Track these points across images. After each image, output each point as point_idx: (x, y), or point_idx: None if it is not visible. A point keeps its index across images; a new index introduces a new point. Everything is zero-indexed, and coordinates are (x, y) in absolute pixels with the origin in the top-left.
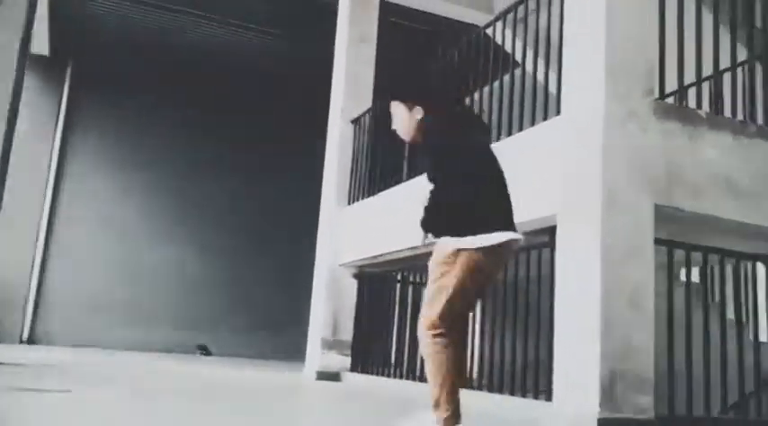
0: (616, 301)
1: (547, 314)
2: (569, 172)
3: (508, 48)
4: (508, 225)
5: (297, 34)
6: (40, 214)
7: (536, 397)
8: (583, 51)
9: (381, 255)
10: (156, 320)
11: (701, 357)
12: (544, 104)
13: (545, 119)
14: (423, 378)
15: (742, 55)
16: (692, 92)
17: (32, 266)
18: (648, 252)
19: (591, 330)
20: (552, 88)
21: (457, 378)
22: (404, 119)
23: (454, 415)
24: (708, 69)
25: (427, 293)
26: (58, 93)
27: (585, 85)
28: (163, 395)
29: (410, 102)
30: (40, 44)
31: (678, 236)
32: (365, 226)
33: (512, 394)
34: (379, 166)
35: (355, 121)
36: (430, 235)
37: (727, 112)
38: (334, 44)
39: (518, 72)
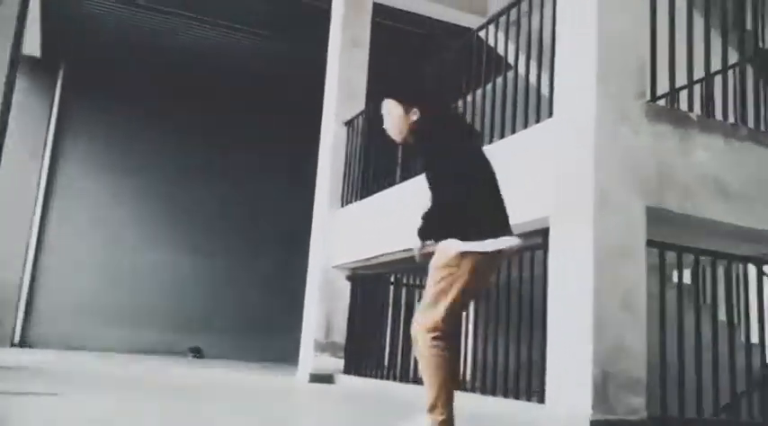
0: (608, 302)
1: (540, 315)
2: (562, 174)
3: (501, 50)
4: (509, 229)
5: (288, 37)
6: (31, 217)
7: (529, 399)
8: (575, 54)
9: (375, 257)
10: (147, 323)
11: (693, 358)
12: (537, 107)
13: (538, 121)
14: (417, 380)
15: (733, 58)
16: (683, 94)
17: (24, 269)
18: (641, 254)
19: (583, 331)
20: (545, 90)
21: (452, 381)
22: (399, 120)
23: (449, 419)
24: (699, 72)
25: (427, 295)
26: (49, 95)
27: (577, 88)
28: (153, 398)
29: (407, 103)
30: (32, 45)
31: (670, 238)
32: (358, 228)
33: (504, 395)
34: (373, 168)
35: (348, 124)
36: (429, 242)
37: (719, 115)
38: (326, 46)
39: (510, 74)
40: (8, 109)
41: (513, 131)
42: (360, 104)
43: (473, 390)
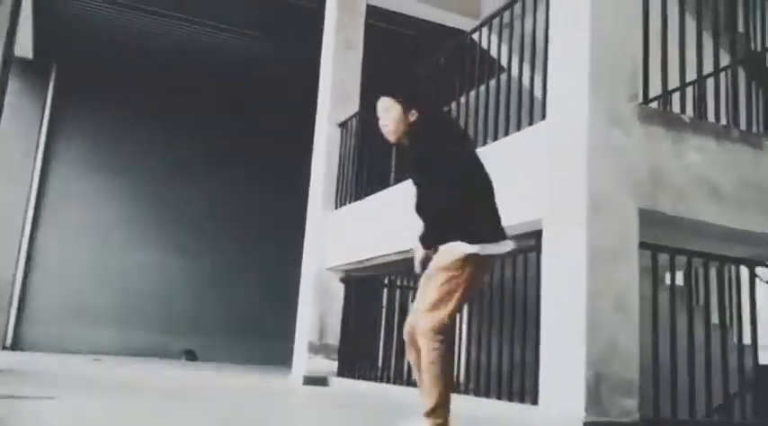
0: (601, 304)
1: (533, 316)
2: (555, 176)
3: (494, 52)
4: (504, 231)
5: (280, 37)
6: (23, 219)
7: (522, 401)
8: (568, 56)
9: (368, 259)
10: (140, 325)
11: (685, 359)
12: (530, 109)
13: (531, 123)
14: (411, 382)
15: (725, 60)
16: (675, 96)
17: (15, 271)
18: (633, 256)
19: (576, 333)
20: (538, 93)
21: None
22: (396, 119)
23: (446, 423)
24: (691, 74)
25: (429, 296)
26: (41, 97)
27: (570, 90)
28: (146, 401)
29: (406, 103)
30: (24, 47)
31: (663, 240)
32: (352, 230)
33: (498, 397)
34: (366, 170)
35: (342, 125)
36: (432, 250)
37: (711, 117)
38: (319, 47)
39: (504, 77)
40: (0, 110)
41: (507, 134)
42: (353, 106)
43: (467, 392)
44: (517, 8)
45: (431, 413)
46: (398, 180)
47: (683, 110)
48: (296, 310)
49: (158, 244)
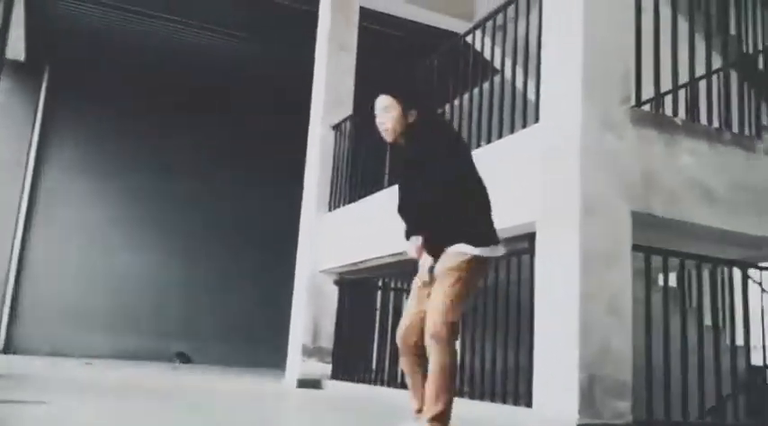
0: (595, 307)
1: (527, 318)
2: (548, 179)
3: (488, 55)
4: (497, 235)
5: (276, 39)
6: (15, 220)
7: (516, 403)
8: (560, 59)
9: (362, 262)
10: (133, 328)
11: (678, 361)
12: (523, 112)
13: (524, 126)
14: (405, 385)
15: (717, 62)
16: (668, 99)
17: (8, 274)
18: (626, 258)
19: (570, 335)
20: (531, 95)
21: None
22: (395, 119)
23: None
24: (684, 77)
25: (439, 298)
26: (34, 98)
27: (563, 93)
28: (138, 405)
29: (406, 103)
30: (16, 49)
31: (656, 242)
32: (346, 232)
33: (492, 400)
34: (360, 173)
35: (336, 127)
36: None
37: (703, 120)
38: (307, 48)
39: (497, 79)
40: None
41: (500, 136)
42: (347, 108)
43: (461, 395)
44: (510, 11)
45: (436, 419)
46: (392, 182)
47: (675, 112)
48: (289, 313)
49: (151, 246)
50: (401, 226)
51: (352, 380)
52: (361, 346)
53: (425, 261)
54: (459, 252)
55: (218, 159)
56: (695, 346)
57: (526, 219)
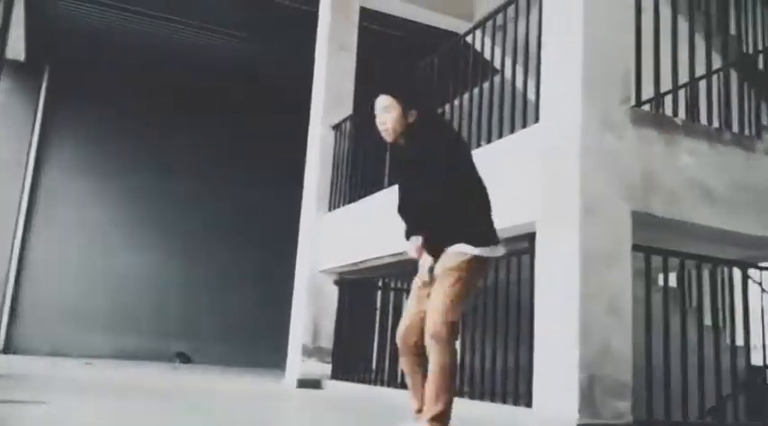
0: (595, 307)
1: (527, 318)
2: (548, 179)
3: (487, 55)
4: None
5: (276, 39)
6: (15, 221)
7: (516, 403)
8: (560, 59)
9: (362, 262)
10: (133, 328)
11: (678, 361)
12: (523, 112)
13: (524, 126)
14: (405, 385)
15: (717, 63)
16: (668, 99)
17: (8, 274)
18: (626, 258)
19: (570, 335)
20: (531, 95)
21: None
22: (395, 119)
23: None
24: (684, 77)
25: (440, 298)
26: (34, 99)
27: (563, 93)
28: (138, 405)
29: (407, 104)
30: (16, 49)
31: (656, 242)
32: (346, 232)
33: (492, 400)
34: (360, 173)
35: (336, 127)
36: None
37: (703, 120)
38: (307, 48)
39: (497, 79)
40: None
41: (500, 136)
42: (347, 108)
43: (461, 395)
44: (510, 11)
45: (436, 419)
46: (392, 182)
47: (675, 112)
48: (289, 313)
49: (151, 246)
50: (401, 226)
51: (352, 380)
52: (361, 346)
53: (425, 261)
54: (459, 252)
55: (218, 159)
56: (695, 346)
57: (526, 219)
